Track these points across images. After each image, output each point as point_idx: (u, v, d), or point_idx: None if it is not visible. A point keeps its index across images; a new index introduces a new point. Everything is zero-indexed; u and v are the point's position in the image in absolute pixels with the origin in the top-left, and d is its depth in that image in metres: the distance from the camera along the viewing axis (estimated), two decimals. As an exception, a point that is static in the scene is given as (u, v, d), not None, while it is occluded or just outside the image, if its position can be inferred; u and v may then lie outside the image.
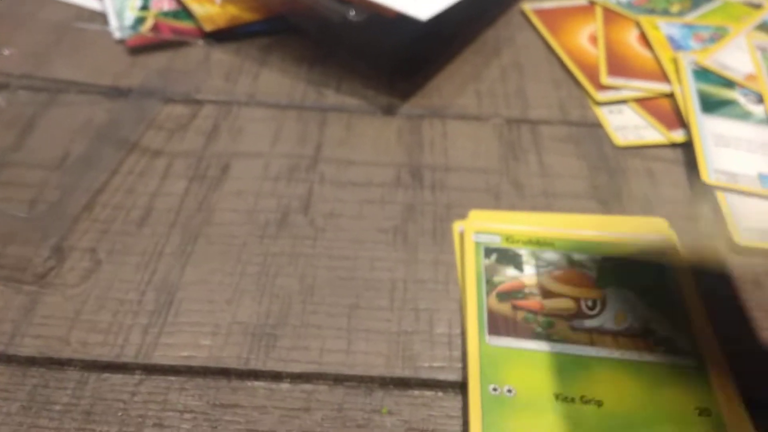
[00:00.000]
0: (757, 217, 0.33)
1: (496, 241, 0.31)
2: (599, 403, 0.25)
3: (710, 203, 0.34)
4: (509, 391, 0.25)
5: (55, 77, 0.41)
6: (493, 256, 0.30)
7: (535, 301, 0.29)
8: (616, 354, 0.27)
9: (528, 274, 0.30)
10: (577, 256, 0.30)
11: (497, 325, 0.28)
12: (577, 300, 0.29)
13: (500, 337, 0.27)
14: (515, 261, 0.30)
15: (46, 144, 0.37)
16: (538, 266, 0.30)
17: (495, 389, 0.25)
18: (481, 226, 0.32)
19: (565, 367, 0.26)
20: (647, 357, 0.27)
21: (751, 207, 0.33)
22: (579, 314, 0.28)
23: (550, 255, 0.30)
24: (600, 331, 0.27)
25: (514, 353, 0.27)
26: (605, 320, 0.28)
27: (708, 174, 0.35)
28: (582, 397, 0.25)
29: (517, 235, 0.31)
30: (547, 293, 0.29)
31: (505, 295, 0.29)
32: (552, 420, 0.25)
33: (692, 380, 0.26)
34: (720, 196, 0.34)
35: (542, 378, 0.26)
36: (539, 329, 0.27)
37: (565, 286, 0.29)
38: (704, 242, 0.32)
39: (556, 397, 0.25)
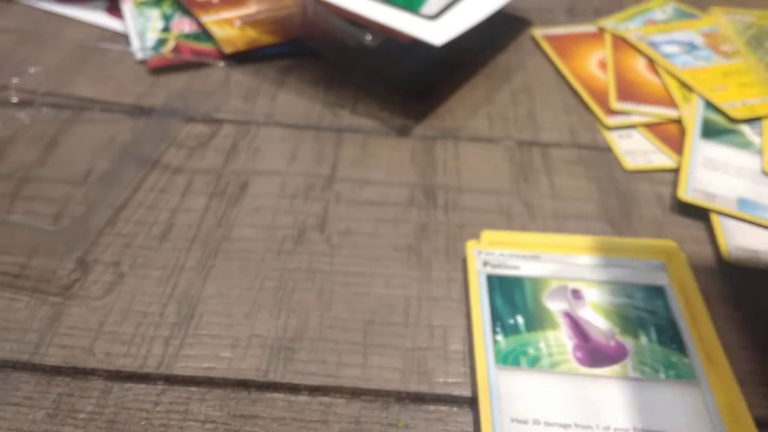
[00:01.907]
0: (746, 237, 0.34)
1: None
2: None
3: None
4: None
5: (79, 95, 0.42)
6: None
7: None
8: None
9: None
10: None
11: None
12: None
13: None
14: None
15: (69, 160, 0.38)
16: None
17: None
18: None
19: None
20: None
21: (740, 228, 0.34)
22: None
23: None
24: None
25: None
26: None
27: (686, 191, 0.36)
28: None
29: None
30: None
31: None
32: None
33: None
34: (714, 217, 0.35)
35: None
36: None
37: None
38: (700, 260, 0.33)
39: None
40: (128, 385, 0.27)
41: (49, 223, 0.34)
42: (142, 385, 0.27)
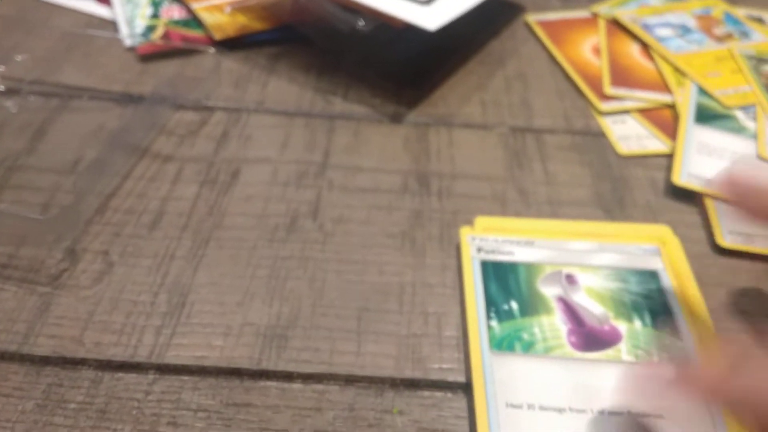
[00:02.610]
0: (740, 221, 0.34)
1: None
2: None
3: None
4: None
5: (67, 83, 0.42)
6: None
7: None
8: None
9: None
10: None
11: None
12: None
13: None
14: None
15: (58, 149, 0.37)
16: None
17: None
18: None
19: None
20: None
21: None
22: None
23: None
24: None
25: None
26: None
27: (680, 176, 0.35)
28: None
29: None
30: None
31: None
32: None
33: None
34: (707, 201, 0.35)
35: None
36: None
37: None
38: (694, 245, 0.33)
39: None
40: (119, 374, 0.27)
41: (38, 212, 0.33)
42: (133, 375, 0.27)
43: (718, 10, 0.50)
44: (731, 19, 0.49)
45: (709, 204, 0.35)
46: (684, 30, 0.48)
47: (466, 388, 0.27)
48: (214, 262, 0.31)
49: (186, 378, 0.27)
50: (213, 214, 0.34)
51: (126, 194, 0.35)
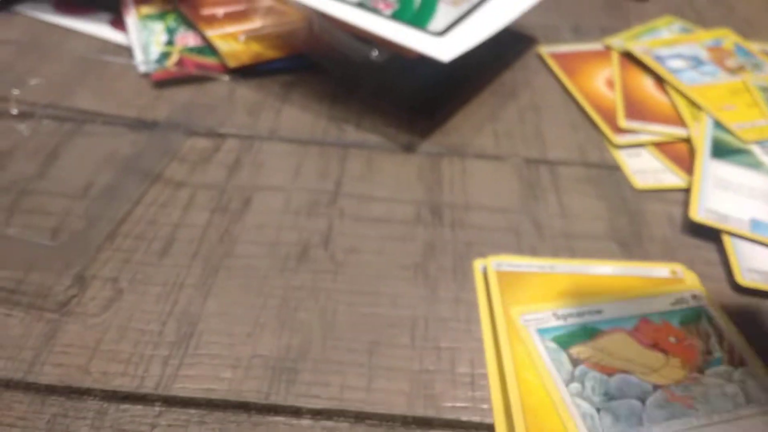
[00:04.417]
0: (760, 259, 0.33)
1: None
2: None
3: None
4: None
5: (80, 108, 0.42)
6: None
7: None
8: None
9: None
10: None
11: None
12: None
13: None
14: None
15: (70, 173, 0.37)
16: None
17: None
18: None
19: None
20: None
21: (754, 250, 0.34)
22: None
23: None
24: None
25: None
26: None
27: (697, 212, 0.35)
28: None
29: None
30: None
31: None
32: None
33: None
34: (726, 238, 0.34)
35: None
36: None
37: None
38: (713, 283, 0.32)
39: None
40: (125, 406, 0.26)
41: (48, 238, 0.33)
42: (139, 407, 0.26)
43: (729, 41, 0.50)
44: (742, 51, 0.49)
45: (728, 241, 0.34)
46: (696, 62, 0.47)
47: (481, 429, 0.26)
48: (224, 291, 0.31)
49: (193, 411, 0.26)
50: (224, 242, 0.33)
51: (137, 220, 0.34)
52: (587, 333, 0.29)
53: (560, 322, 0.29)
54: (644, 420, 0.26)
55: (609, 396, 0.26)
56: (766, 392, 0.27)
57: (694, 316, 0.30)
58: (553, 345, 0.28)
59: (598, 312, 0.30)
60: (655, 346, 0.29)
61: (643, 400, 0.26)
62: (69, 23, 0.50)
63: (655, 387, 0.27)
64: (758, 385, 0.27)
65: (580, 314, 0.30)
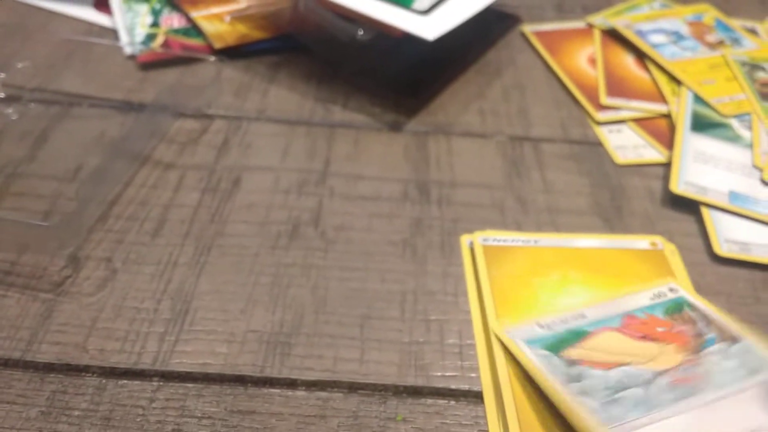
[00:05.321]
0: (737, 230, 0.34)
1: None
2: None
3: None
4: None
5: (67, 91, 0.42)
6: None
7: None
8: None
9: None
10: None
11: None
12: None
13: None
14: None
15: (59, 156, 0.37)
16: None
17: None
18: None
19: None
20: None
21: (732, 221, 0.35)
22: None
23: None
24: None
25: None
26: None
27: (677, 184, 0.36)
28: None
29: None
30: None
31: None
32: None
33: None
34: (704, 210, 0.35)
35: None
36: None
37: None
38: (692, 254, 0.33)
39: None
40: (123, 381, 0.27)
41: (40, 219, 0.33)
42: (137, 382, 0.27)
43: (709, 16, 0.51)
44: (722, 26, 0.50)
45: (706, 212, 0.35)
46: (677, 36, 0.48)
47: (469, 396, 0.27)
48: (216, 270, 0.32)
49: (190, 385, 0.27)
50: (215, 222, 0.34)
51: (128, 201, 0.35)
52: (576, 336, 0.29)
53: (545, 331, 0.29)
54: (653, 405, 0.26)
55: (611, 389, 0.26)
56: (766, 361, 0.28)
57: (676, 307, 0.30)
58: (544, 352, 0.28)
59: (582, 316, 0.30)
60: (645, 337, 0.29)
61: (646, 388, 0.26)
62: (53, 6, 0.49)
63: (656, 374, 0.27)
64: (757, 356, 0.28)
65: (564, 321, 0.30)
